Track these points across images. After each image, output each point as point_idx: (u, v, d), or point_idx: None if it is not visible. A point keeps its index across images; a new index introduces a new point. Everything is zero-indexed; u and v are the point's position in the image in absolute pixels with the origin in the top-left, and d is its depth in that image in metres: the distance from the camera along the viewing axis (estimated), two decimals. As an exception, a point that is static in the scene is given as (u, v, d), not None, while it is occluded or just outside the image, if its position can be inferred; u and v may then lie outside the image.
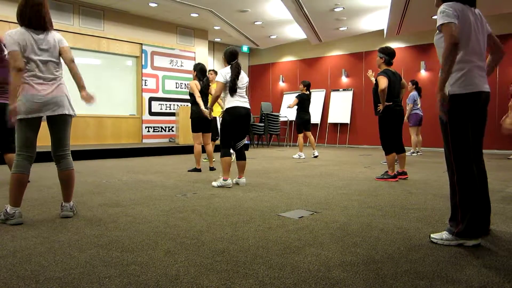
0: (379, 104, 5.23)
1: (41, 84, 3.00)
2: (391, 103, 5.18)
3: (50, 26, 3.11)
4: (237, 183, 4.87)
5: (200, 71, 6.19)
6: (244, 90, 4.89)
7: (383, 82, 5.07)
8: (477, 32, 2.53)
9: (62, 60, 3.18)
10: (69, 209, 3.18)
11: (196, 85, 6.04)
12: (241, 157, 4.89)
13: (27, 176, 3.04)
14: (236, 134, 4.82)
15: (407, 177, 5.35)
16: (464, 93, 2.47)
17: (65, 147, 3.21)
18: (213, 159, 6.48)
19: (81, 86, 3.19)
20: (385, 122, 5.25)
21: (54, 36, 3.13)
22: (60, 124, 3.13)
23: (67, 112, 3.11)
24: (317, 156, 8.70)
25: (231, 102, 4.74)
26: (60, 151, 3.19)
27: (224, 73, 4.73)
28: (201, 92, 6.03)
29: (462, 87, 2.47)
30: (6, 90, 4.02)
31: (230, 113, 4.74)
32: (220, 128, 4.91)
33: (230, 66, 4.76)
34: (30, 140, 3.04)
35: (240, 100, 4.76)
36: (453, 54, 2.39)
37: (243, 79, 4.84)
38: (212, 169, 6.27)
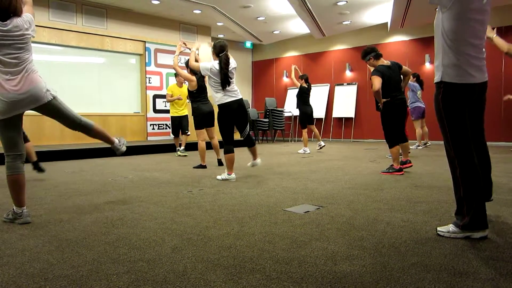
0: (379, 104, 5.19)
1: (8, 80, 2.80)
2: (389, 98, 5.11)
3: (19, 12, 2.85)
4: (253, 165, 5.13)
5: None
6: (233, 80, 4.86)
7: (376, 83, 4.99)
8: (478, 21, 2.42)
9: (30, 47, 2.95)
10: (121, 144, 3.43)
11: (188, 77, 6.00)
12: (250, 143, 5.07)
13: (21, 176, 2.96)
14: (237, 126, 4.97)
15: (411, 165, 5.41)
16: (457, 83, 2.42)
17: (73, 118, 3.13)
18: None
19: None
20: (386, 116, 5.23)
21: (21, 19, 2.86)
22: (48, 112, 3.03)
23: (46, 101, 2.93)
24: (323, 146, 8.80)
25: (222, 98, 4.76)
26: (71, 124, 3.16)
27: (209, 66, 4.75)
28: (199, 87, 6.01)
29: (455, 77, 2.42)
30: None
31: (223, 110, 4.79)
32: (219, 126, 4.95)
33: (218, 59, 4.76)
34: (14, 139, 2.93)
35: (230, 94, 4.77)
36: None
37: (232, 67, 4.81)
38: (220, 162, 6.30)
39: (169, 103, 8.31)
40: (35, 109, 2.97)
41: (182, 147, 8.32)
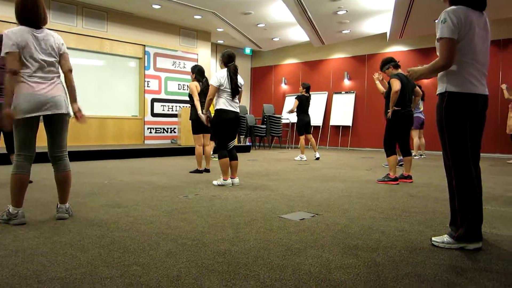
0: (388, 110, 5.25)
1: (38, 83, 2.95)
2: (400, 108, 5.20)
3: (46, 22, 3.09)
4: (232, 184, 4.96)
5: (199, 72, 6.17)
6: (241, 91, 5.02)
7: (397, 84, 5.16)
8: (480, 37, 2.49)
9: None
10: (64, 211, 3.15)
11: (196, 87, 6.03)
12: (232, 157, 4.99)
13: (27, 177, 3.00)
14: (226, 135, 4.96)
15: (411, 181, 5.32)
16: (461, 92, 2.46)
17: (62, 148, 3.16)
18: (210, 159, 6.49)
19: (73, 98, 3.18)
20: (393, 125, 5.27)
21: (53, 36, 3.09)
22: (57, 124, 3.09)
23: (65, 112, 3.07)
24: (319, 158, 8.69)
25: (221, 104, 4.85)
26: (57, 152, 3.15)
27: (219, 77, 4.81)
28: (201, 93, 6.03)
29: (459, 86, 2.46)
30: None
31: (219, 114, 4.85)
32: (215, 129, 4.97)
33: (227, 68, 4.82)
34: (30, 140, 2.99)
35: (231, 104, 4.86)
36: (437, 72, 2.52)
37: (240, 82, 4.94)
38: (207, 170, 6.26)
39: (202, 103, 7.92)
40: (46, 118, 3.03)
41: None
